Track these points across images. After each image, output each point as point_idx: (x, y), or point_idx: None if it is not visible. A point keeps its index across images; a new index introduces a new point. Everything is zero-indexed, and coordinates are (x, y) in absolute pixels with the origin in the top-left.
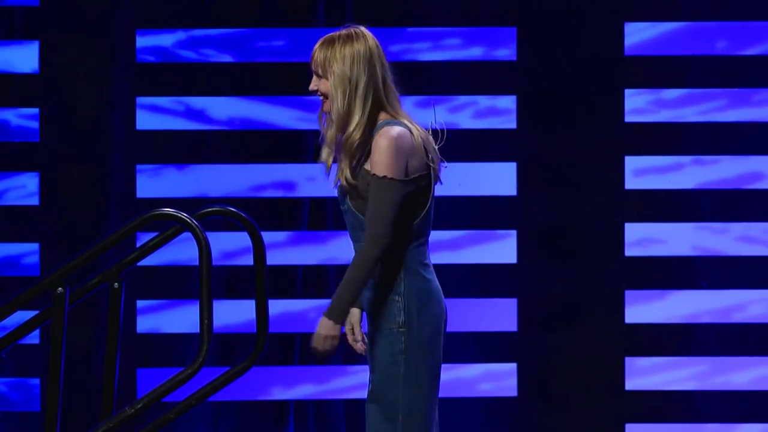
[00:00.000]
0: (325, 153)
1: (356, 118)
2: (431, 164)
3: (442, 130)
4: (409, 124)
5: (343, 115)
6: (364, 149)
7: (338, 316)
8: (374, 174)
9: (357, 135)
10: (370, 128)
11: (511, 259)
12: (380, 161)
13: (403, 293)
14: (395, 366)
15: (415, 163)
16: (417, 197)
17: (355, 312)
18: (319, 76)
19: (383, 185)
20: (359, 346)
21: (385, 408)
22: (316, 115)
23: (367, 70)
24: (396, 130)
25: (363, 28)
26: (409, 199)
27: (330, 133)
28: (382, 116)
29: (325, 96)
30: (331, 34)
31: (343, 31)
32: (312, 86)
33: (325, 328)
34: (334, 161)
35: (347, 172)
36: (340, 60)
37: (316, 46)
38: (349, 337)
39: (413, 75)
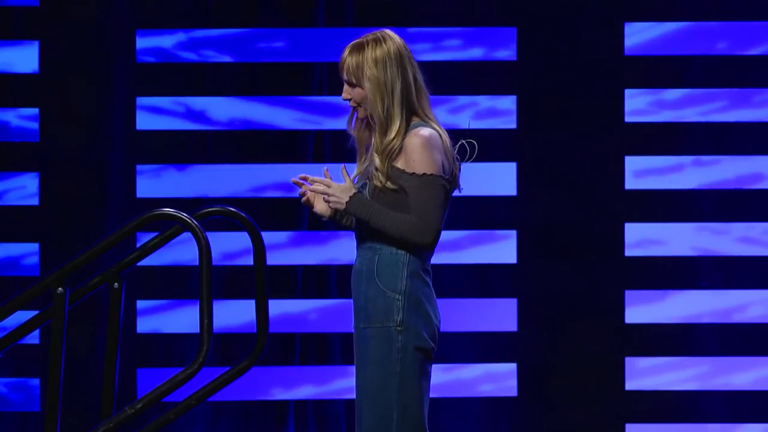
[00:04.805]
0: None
1: (397, 124)
2: (455, 171)
3: (473, 144)
4: (438, 128)
5: (384, 121)
6: (398, 152)
7: (353, 205)
8: (414, 173)
9: (398, 141)
10: (405, 131)
11: (511, 259)
12: (419, 159)
13: (404, 292)
14: (391, 364)
15: (446, 165)
16: None
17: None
18: (352, 85)
19: (426, 182)
20: (309, 192)
21: (379, 407)
22: (308, 118)
23: (400, 73)
24: (427, 130)
25: (388, 30)
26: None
27: (375, 141)
28: (414, 120)
29: (358, 104)
30: (359, 39)
31: (370, 36)
32: (344, 95)
33: (345, 194)
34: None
35: (382, 177)
36: (373, 65)
37: (345, 54)
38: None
39: None
